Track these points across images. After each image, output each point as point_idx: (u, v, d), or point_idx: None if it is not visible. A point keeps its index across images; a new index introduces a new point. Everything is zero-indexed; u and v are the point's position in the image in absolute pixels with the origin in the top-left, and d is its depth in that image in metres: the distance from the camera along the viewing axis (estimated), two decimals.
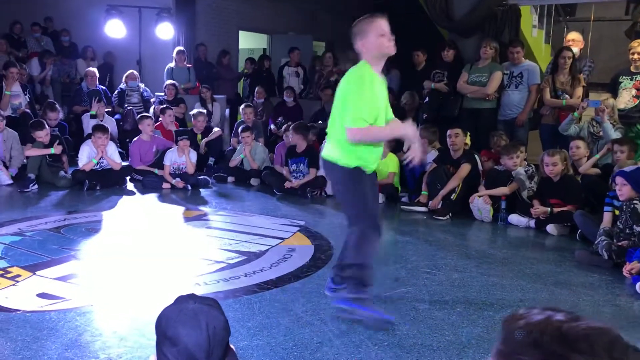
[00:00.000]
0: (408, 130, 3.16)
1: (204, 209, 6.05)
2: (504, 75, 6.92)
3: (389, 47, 3.09)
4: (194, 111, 8.20)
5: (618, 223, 4.40)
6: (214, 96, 9.25)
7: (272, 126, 8.89)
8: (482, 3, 7.60)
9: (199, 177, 7.10)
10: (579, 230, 5.11)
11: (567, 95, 6.52)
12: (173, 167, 7.03)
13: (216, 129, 8.24)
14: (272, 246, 4.62)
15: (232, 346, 1.58)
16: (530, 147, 6.97)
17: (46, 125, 6.90)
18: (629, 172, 4.44)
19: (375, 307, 3.19)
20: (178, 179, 6.90)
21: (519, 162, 5.85)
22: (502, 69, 6.92)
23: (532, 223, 5.51)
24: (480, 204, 5.76)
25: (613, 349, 0.79)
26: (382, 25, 3.08)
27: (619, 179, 4.41)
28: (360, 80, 3.06)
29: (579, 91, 6.52)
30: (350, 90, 3.07)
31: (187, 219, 5.63)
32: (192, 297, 1.55)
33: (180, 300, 1.55)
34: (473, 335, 3.05)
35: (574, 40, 7.20)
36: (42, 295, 3.39)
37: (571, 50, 6.63)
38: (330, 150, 3.20)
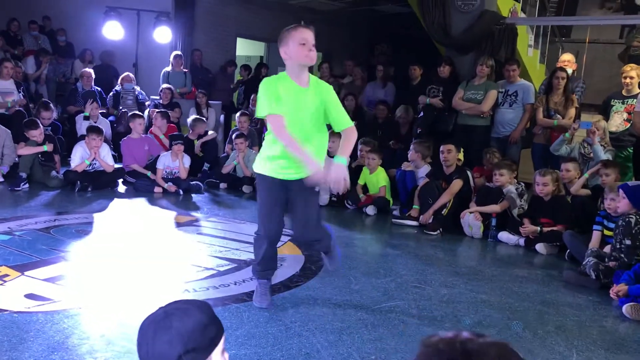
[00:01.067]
0: (314, 168, 3.07)
1: (195, 214, 6.04)
2: (498, 94, 6.98)
3: (308, 56, 3.15)
4: (192, 117, 8.21)
5: (613, 241, 4.43)
6: (209, 102, 9.26)
7: None
8: (480, 21, 7.68)
9: (191, 183, 7.10)
10: (568, 250, 5.15)
11: (559, 116, 6.59)
12: (166, 172, 7.03)
13: (211, 132, 8.26)
14: None
15: (226, 354, 1.55)
16: (522, 165, 7.03)
17: (40, 125, 6.88)
18: (631, 186, 4.47)
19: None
20: (170, 184, 6.89)
21: (506, 180, 5.88)
22: (498, 87, 6.99)
23: (521, 241, 5.55)
24: (471, 220, 5.79)
25: (500, 358, 0.98)
26: (303, 34, 3.14)
27: (619, 192, 4.44)
28: (263, 85, 3.20)
29: (572, 112, 6.59)
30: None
31: (178, 224, 5.62)
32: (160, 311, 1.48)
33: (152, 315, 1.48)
34: None
35: (568, 61, 7.29)
36: (30, 296, 3.37)
37: (566, 71, 6.70)
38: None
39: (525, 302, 3.98)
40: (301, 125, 3.20)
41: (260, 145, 8.57)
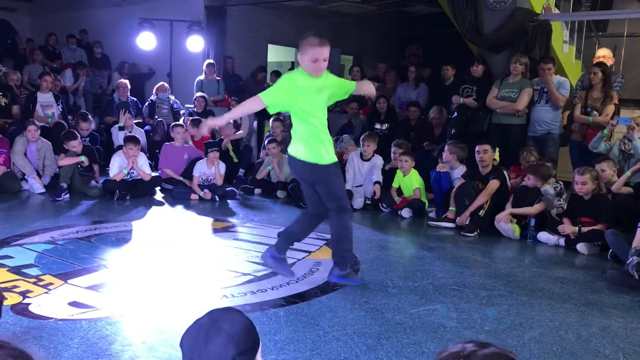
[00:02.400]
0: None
1: (231, 220, 6.10)
2: (534, 91, 6.86)
3: (316, 70, 3.64)
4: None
5: None
6: None
7: None
8: (513, 19, 7.56)
9: (227, 189, 7.17)
10: (610, 250, 5.02)
11: (595, 112, 6.45)
12: (202, 179, 7.12)
13: (240, 131, 8.35)
14: (299, 259, 4.63)
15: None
16: (561, 163, 6.89)
17: (78, 135, 7.04)
18: None
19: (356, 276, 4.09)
20: (206, 190, 6.98)
21: (543, 184, 5.78)
22: (532, 85, 6.87)
23: (561, 241, 5.43)
24: (502, 225, 5.70)
25: None
26: (317, 54, 3.59)
27: None
28: (281, 79, 3.84)
29: (610, 109, 6.43)
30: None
31: (215, 230, 5.68)
32: (213, 312, 1.54)
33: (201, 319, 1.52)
34: None
35: (604, 57, 7.12)
36: (73, 304, 3.45)
37: (603, 66, 6.55)
38: (298, 150, 3.77)
39: (567, 303, 3.90)
40: (318, 106, 3.72)
41: None
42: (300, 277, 4.16)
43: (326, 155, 3.75)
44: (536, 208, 5.67)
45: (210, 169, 7.12)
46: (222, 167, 7.22)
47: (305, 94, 3.65)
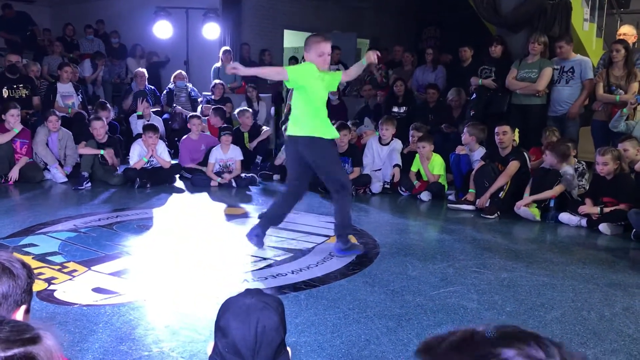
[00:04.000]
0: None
1: (251, 206, 6.13)
2: (554, 71, 6.76)
3: (323, 65, 4.14)
4: (238, 109, 8.30)
5: None
6: (260, 95, 9.34)
7: None
8: None
9: (247, 175, 7.20)
10: (634, 230, 4.95)
11: (621, 91, 6.32)
12: (220, 165, 7.15)
13: (265, 128, 8.32)
14: (318, 244, 4.65)
15: (288, 348, 1.58)
16: (582, 143, 6.78)
17: (103, 119, 7.13)
18: None
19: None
20: (226, 174, 7.01)
21: (563, 165, 5.70)
22: (552, 65, 6.76)
23: (583, 222, 5.37)
24: (522, 212, 5.65)
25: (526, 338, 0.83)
26: (322, 48, 4.10)
27: None
28: (304, 65, 4.23)
29: (635, 86, 6.29)
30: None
31: (235, 217, 5.71)
32: (253, 292, 1.56)
33: (243, 293, 1.56)
34: None
35: (626, 34, 6.97)
36: (97, 290, 3.50)
37: (625, 43, 6.41)
38: (304, 128, 4.16)
39: (590, 283, 3.86)
40: (323, 92, 4.23)
41: None
42: (320, 261, 4.18)
43: (329, 131, 4.19)
44: (556, 190, 5.60)
45: (226, 154, 7.14)
46: (238, 151, 7.23)
47: (317, 79, 4.13)
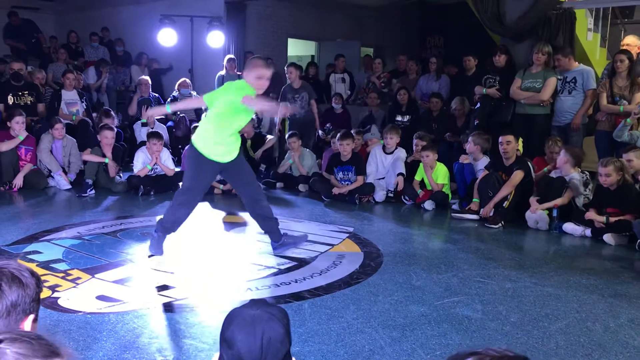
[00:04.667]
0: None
1: None
2: (557, 81, 6.76)
3: (259, 88, 4.07)
4: None
5: None
6: None
7: (320, 132, 8.93)
8: (535, 7, 7.46)
9: None
10: (639, 240, 4.94)
11: (625, 101, 6.32)
12: None
13: (269, 136, 8.33)
14: (322, 252, 4.64)
15: (294, 359, 1.59)
16: (586, 153, 6.77)
17: (114, 128, 7.16)
18: None
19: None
20: (228, 184, 7.01)
21: (571, 170, 5.70)
22: (556, 75, 6.77)
23: (587, 232, 5.36)
24: (539, 215, 5.64)
25: None
26: (263, 72, 4.01)
27: None
28: (242, 84, 4.12)
29: (638, 97, 6.30)
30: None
31: (238, 224, 5.71)
32: (259, 302, 1.57)
33: (248, 304, 1.57)
34: (527, 347, 2.98)
35: (630, 44, 6.98)
36: (101, 298, 3.51)
37: (628, 54, 6.42)
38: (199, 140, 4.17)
39: (595, 294, 3.85)
40: (238, 116, 4.15)
41: (313, 143, 8.64)
42: (323, 270, 4.17)
43: (218, 153, 4.16)
44: (567, 196, 5.60)
45: None
46: None
47: (236, 99, 3.97)
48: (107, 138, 6.99)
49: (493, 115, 7.22)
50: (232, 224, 5.75)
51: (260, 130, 8.51)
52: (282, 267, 4.24)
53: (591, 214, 5.33)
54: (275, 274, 4.09)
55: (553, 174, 5.96)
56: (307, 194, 7.23)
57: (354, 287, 3.84)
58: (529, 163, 6.06)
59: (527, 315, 3.44)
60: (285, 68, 8.25)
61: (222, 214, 6.16)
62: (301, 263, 4.33)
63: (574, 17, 7.60)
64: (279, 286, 3.84)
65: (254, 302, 1.57)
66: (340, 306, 3.48)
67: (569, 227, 5.50)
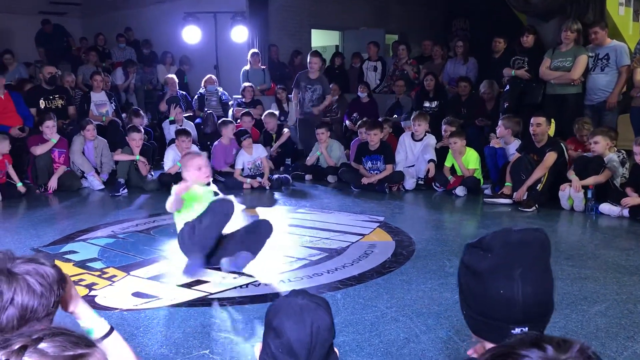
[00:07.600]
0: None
1: (284, 207, 6.14)
2: (588, 58, 6.59)
3: (204, 178, 4.06)
4: (264, 113, 8.39)
5: None
6: (289, 96, 9.36)
7: (347, 122, 8.89)
8: None
9: (280, 176, 7.22)
10: None
11: None
12: (249, 168, 7.20)
13: (285, 130, 8.35)
14: (353, 242, 4.63)
15: (336, 349, 1.58)
16: (621, 131, 6.59)
17: (142, 130, 7.24)
18: None
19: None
20: (259, 178, 7.06)
21: (603, 148, 5.55)
22: (587, 52, 6.59)
23: (625, 212, 5.23)
24: (572, 192, 5.51)
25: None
26: (198, 161, 4.01)
27: None
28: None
29: None
30: None
31: (269, 217, 5.71)
32: (302, 293, 1.57)
33: (291, 294, 1.56)
34: (567, 330, 2.92)
35: None
36: (136, 294, 3.55)
37: None
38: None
39: (635, 275, 3.75)
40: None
41: (341, 133, 8.61)
42: (355, 260, 4.16)
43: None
44: (605, 175, 5.46)
45: (251, 156, 7.20)
46: (261, 149, 7.29)
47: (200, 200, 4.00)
48: (135, 140, 7.07)
49: (523, 97, 7.08)
50: (269, 217, 5.75)
51: (285, 122, 8.52)
52: (314, 258, 4.24)
53: (629, 199, 5.18)
54: (307, 266, 4.08)
55: (589, 154, 5.82)
56: (336, 185, 7.21)
57: (386, 276, 3.81)
58: (562, 144, 5.93)
59: (565, 298, 3.37)
60: (309, 56, 8.17)
61: (262, 207, 6.16)
62: (332, 254, 4.32)
63: None
64: (311, 277, 3.83)
65: (297, 292, 1.56)
66: (373, 295, 3.46)
67: (605, 207, 5.37)
